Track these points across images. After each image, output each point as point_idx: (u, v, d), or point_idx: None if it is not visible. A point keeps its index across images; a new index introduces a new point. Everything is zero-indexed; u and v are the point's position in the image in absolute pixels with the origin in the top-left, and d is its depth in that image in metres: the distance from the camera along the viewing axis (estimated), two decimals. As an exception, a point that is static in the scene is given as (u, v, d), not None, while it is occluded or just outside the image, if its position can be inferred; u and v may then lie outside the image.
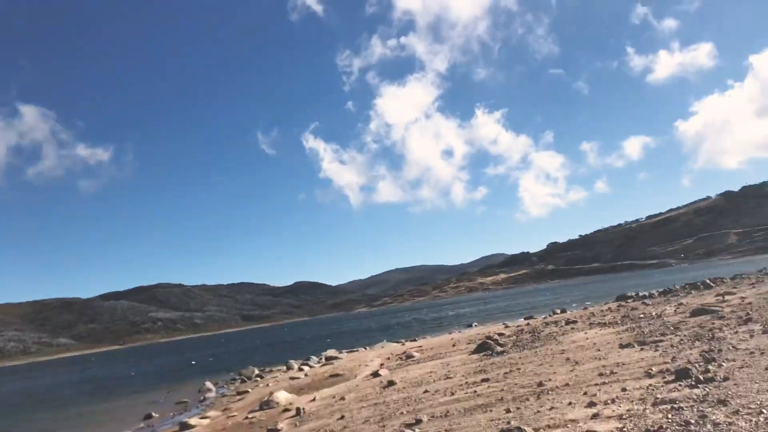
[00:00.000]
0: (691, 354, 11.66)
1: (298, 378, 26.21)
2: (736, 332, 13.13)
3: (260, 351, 66.11)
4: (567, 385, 11.29)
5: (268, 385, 26.08)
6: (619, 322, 21.82)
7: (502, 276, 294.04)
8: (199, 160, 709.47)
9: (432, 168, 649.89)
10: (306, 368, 30.41)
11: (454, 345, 27.00)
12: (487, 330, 32.95)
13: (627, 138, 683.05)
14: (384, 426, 11.17)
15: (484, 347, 21.05)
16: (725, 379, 8.77)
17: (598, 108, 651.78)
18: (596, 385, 10.73)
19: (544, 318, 35.07)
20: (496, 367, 16.17)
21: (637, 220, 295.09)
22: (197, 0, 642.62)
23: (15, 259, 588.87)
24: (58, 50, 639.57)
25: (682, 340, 13.82)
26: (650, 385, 9.67)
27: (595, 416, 8.36)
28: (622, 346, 14.85)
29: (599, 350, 15.19)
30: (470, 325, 45.23)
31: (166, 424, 20.95)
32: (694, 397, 8.13)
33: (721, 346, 11.70)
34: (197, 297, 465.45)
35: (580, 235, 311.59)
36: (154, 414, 23.13)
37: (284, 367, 33.33)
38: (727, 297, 22.58)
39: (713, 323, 15.71)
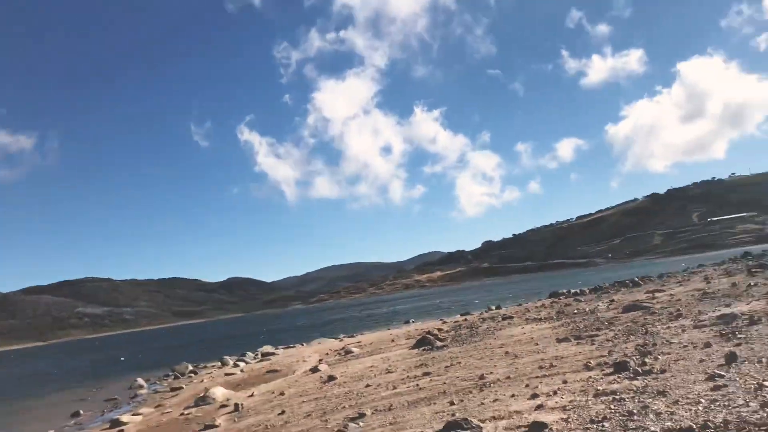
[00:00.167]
0: (627, 348, 11.98)
1: (233, 374, 25.63)
2: (669, 327, 13.60)
3: (193, 347, 64.43)
4: (509, 377, 11.40)
5: (202, 381, 25.34)
6: (555, 317, 22.32)
7: (438, 273, 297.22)
8: (129, 149, 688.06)
9: (370, 165, 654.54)
10: (242, 364, 29.80)
11: (393, 340, 27.01)
12: (425, 326, 33.14)
13: (560, 140, 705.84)
14: (327, 420, 10.97)
15: (423, 342, 21.11)
16: (662, 371, 9.02)
17: (533, 109, 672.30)
18: (537, 377, 10.88)
19: (481, 314, 35.55)
20: (436, 361, 16.22)
21: (568, 220, 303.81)
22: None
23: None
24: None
25: (616, 334, 14.20)
26: (590, 377, 9.86)
27: (539, 407, 8.44)
28: (559, 341, 15.16)
29: (537, 344, 15.45)
30: (408, 322, 45.35)
31: (95, 422, 19.93)
32: (634, 388, 8.32)
33: (656, 340, 12.08)
34: (126, 292, 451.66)
35: (513, 234, 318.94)
36: (82, 412, 22.07)
37: (219, 363, 32.57)
38: (656, 294, 23.43)
39: (645, 318, 16.23)
